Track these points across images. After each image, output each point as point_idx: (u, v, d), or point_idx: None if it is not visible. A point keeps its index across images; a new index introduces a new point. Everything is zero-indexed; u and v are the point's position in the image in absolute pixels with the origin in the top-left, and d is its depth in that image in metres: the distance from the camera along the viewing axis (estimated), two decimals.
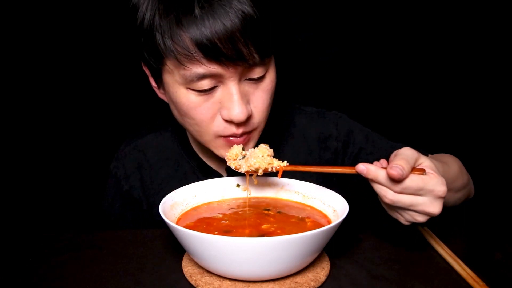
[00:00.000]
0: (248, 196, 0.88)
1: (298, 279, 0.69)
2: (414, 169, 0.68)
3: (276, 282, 0.67)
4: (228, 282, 0.67)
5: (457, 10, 1.94)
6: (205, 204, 0.85)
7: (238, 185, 0.88)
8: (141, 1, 0.80)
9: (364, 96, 2.01)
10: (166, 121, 1.09)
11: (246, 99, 0.83)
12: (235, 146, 0.84)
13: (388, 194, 0.68)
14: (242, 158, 0.81)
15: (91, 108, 1.98)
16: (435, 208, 0.68)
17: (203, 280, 0.68)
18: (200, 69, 0.77)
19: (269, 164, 0.78)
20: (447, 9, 1.94)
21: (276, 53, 0.88)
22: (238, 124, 0.83)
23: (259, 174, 0.79)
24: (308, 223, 0.75)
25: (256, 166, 0.78)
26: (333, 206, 0.78)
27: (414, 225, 0.88)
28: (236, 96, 0.80)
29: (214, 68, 0.77)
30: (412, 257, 0.79)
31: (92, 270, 0.75)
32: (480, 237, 0.87)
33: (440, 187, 0.67)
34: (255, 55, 0.78)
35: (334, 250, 0.77)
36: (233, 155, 0.83)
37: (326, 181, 1.07)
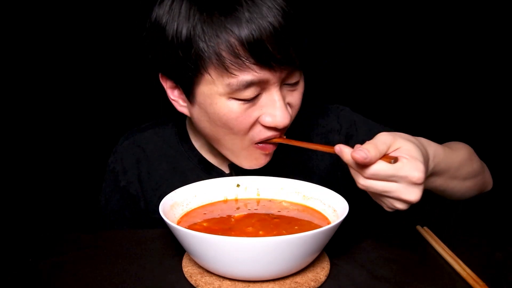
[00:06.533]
0: (248, 196, 0.88)
1: (298, 279, 0.69)
2: (385, 156, 0.64)
3: (276, 282, 0.67)
4: (228, 282, 0.67)
5: (453, 9, 1.94)
6: (205, 204, 0.85)
7: (238, 185, 0.88)
8: (170, 16, 0.78)
9: (358, 102, 2.02)
10: (167, 118, 1.09)
11: (286, 104, 0.83)
12: None
13: (359, 179, 0.65)
14: None
15: (92, 107, 1.98)
16: (411, 195, 0.63)
17: (203, 280, 0.68)
18: (248, 75, 0.76)
19: None
20: (443, 8, 1.94)
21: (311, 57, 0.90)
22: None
23: None
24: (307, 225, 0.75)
25: None
26: (333, 206, 0.78)
27: (414, 225, 0.88)
28: (279, 103, 0.80)
29: (263, 73, 0.76)
30: (412, 257, 0.79)
31: (92, 270, 0.75)
32: (480, 237, 0.87)
33: (415, 172, 0.61)
34: (297, 58, 0.78)
35: (334, 250, 0.77)
36: None
37: (328, 180, 1.07)
